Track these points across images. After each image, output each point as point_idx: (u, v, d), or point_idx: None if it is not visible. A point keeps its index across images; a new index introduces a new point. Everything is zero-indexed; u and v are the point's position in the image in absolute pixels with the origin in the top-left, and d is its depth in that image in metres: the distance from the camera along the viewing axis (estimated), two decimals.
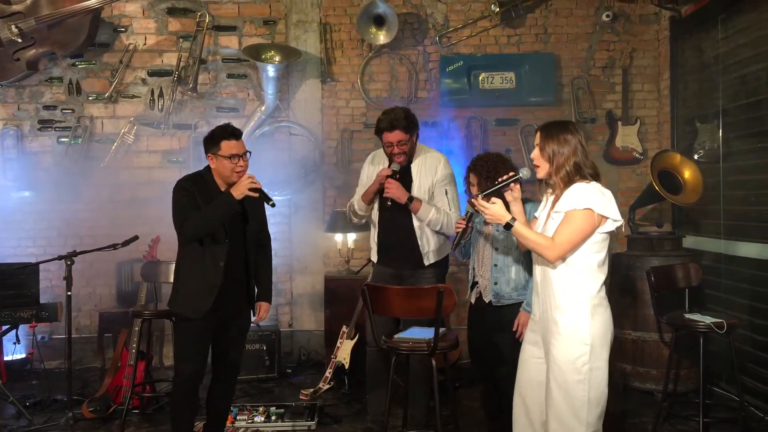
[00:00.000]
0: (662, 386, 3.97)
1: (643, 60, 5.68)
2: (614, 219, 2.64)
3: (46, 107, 5.52)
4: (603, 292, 2.69)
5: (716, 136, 4.79)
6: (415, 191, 3.78)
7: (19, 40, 5.17)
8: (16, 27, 5.13)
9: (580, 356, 2.61)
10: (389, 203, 3.70)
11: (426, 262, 3.80)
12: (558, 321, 2.65)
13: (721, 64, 4.72)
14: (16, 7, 5.21)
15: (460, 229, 3.16)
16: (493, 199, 2.74)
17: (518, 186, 2.81)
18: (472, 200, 2.83)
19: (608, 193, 2.66)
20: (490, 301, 3.39)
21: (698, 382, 3.80)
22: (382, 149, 3.87)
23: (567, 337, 2.63)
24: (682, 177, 4.84)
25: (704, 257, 4.78)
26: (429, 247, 3.79)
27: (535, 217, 2.89)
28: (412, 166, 3.82)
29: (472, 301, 3.51)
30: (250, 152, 3.29)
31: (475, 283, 3.49)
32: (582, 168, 2.66)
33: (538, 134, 2.75)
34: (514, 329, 3.30)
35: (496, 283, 3.36)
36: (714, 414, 4.05)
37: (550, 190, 2.80)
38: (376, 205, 3.91)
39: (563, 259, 2.64)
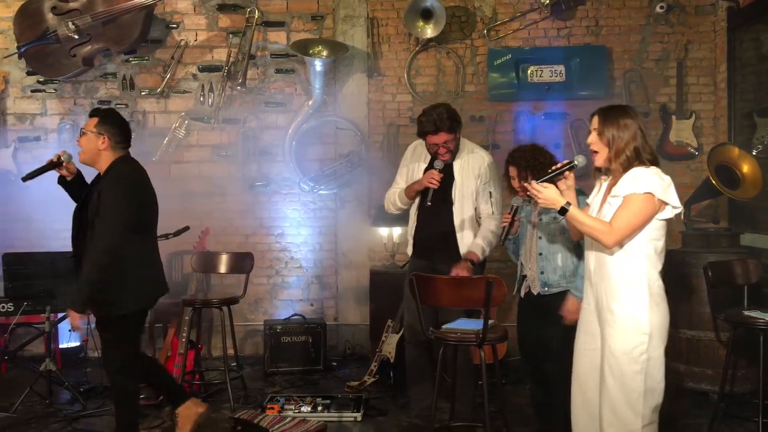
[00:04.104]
0: (718, 386, 3.84)
1: (699, 52, 5.51)
2: (674, 206, 2.58)
3: (101, 102, 5.65)
4: (661, 281, 2.62)
5: None
6: (457, 191, 3.73)
7: (76, 37, 5.32)
8: (73, 24, 5.28)
9: (637, 346, 2.55)
10: (429, 204, 3.64)
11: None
12: (614, 310, 2.59)
13: None
14: (72, 5, 5.37)
15: (506, 224, 3.14)
16: (545, 183, 2.68)
17: (572, 174, 2.75)
18: (526, 184, 2.79)
19: (668, 179, 2.60)
20: (538, 293, 3.34)
21: (756, 382, 3.67)
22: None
23: (624, 327, 2.56)
24: (740, 171, 4.67)
25: (763, 255, 4.60)
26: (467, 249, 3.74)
27: (587, 204, 2.83)
28: (455, 164, 3.75)
29: (522, 294, 3.46)
30: (83, 131, 3.34)
31: (523, 277, 3.44)
32: (641, 153, 2.60)
33: (596, 118, 2.69)
34: (561, 314, 3.25)
35: (542, 272, 3.31)
36: None
37: (604, 177, 2.74)
38: (416, 200, 3.87)
39: (621, 245, 2.57)
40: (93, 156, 3.31)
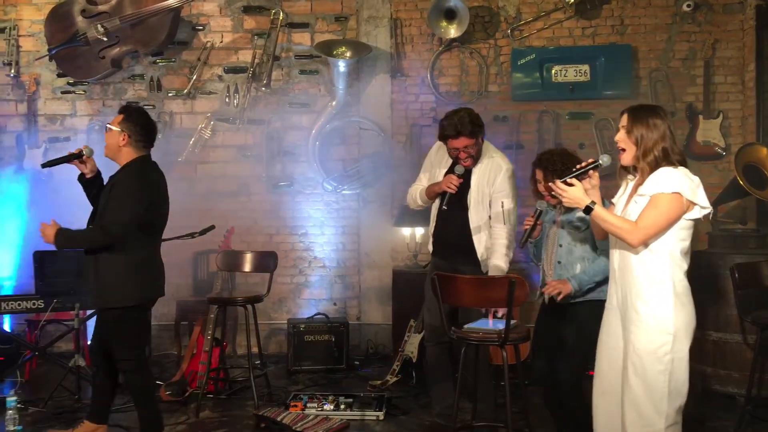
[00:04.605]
0: (745, 389, 3.79)
1: (727, 51, 5.44)
2: (702, 206, 2.55)
3: (129, 103, 5.75)
4: (686, 281, 2.60)
5: None
6: (472, 198, 3.73)
7: (105, 39, 5.42)
8: (102, 26, 5.39)
9: (661, 346, 2.53)
10: (444, 207, 3.65)
11: (483, 268, 3.75)
12: (639, 309, 2.57)
13: None
14: (101, 7, 5.48)
15: (528, 227, 3.12)
16: (570, 181, 2.67)
17: (597, 173, 2.74)
18: (550, 184, 2.77)
19: (696, 179, 2.57)
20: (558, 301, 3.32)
21: None
22: None
23: (649, 326, 2.55)
24: None
25: None
26: (487, 252, 3.74)
27: (612, 204, 2.81)
28: (474, 170, 3.74)
29: (546, 301, 3.43)
30: (107, 126, 3.43)
31: (545, 284, 3.42)
32: (670, 154, 2.58)
33: (625, 116, 2.67)
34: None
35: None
36: None
37: (630, 176, 2.72)
38: (436, 200, 3.88)
39: (646, 244, 2.55)
40: (114, 151, 3.40)
